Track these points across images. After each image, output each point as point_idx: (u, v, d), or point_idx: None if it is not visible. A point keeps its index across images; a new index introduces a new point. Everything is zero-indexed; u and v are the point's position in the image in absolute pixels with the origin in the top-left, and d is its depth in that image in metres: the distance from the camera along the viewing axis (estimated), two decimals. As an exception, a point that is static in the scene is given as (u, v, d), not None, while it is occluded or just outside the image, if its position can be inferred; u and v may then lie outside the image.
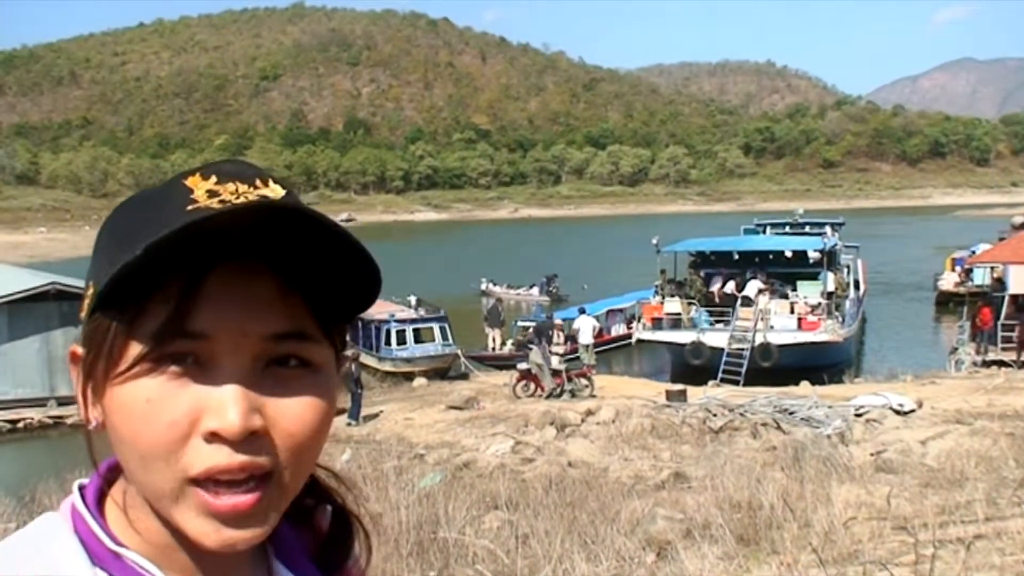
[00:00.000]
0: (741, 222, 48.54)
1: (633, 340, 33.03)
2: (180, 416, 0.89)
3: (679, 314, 31.70)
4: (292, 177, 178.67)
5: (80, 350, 0.97)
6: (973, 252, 43.52)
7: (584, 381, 25.84)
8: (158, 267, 0.87)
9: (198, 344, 0.90)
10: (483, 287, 52.50)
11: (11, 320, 26.63)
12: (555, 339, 28.05)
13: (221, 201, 0.89)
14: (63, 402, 27.06)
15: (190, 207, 0.89)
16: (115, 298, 0.90)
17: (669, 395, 22.25)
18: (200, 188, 0.91)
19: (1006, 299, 30.17)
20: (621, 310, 36.95)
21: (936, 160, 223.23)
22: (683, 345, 30.43)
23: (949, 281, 45.51)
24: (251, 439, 0.90)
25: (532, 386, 25.60)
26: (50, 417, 26.61)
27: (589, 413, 20.68)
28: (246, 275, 0.91)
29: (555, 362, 26.21)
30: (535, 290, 51.83)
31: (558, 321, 30.68)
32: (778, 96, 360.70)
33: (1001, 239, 42.19)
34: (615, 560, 8.51)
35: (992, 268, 36.08)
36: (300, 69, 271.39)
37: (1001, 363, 27.85)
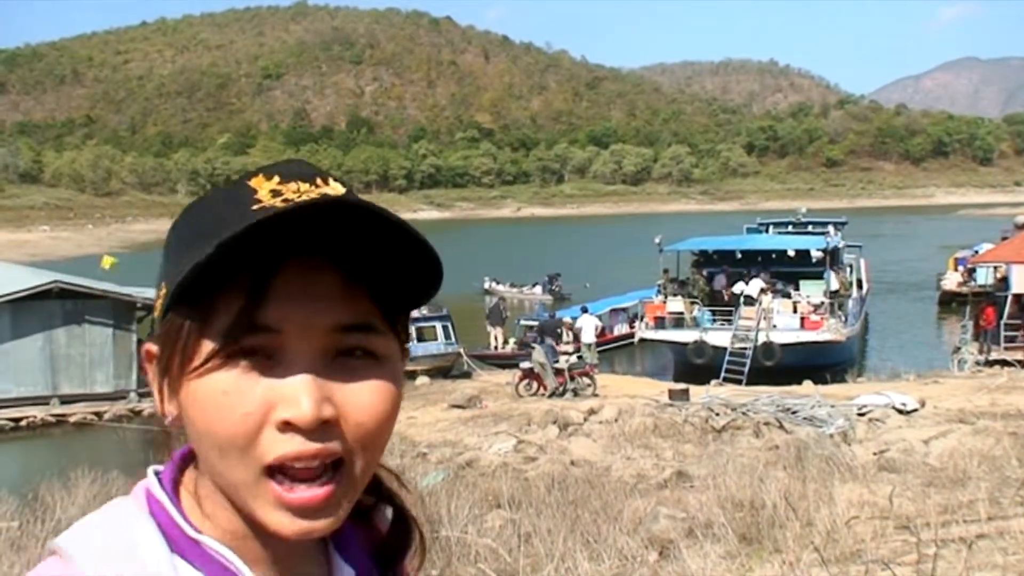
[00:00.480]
0: (744, 221, 48.48)
1: (636, 339, 33.04)
2: (254, 407, 0.93)
3: (682, 313, 31.70)
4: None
5: (155, 348, 1.00)
6: (976, 252, 43.44)
7: (587, 380, 25.85)
8: (227, 266, 0.91)
9: (269, 338, 0.94)
10: (486, 285, 52.49)
11: (14, 318, 26.63)
12: (564, 337, 28.02)
13: (284, 200, 0.93)
14: (66, 400, 27.09)
15: (255, 207, 0.92)
16: (187, 297, 0.93)
17: (672, 394, 22.25)
18: (264, 188, 0.95)
19: (1009, 298, 30.14)
20: (624, 309, 36.97)
21: (939, 159, 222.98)
22: (686, 344, 30.43)
23: (952, 281, 45.37)
24: (323, 427, 0.93)
25: (535, 385, 25.62)
26: (53, 415, 26.63)
27: (591, 412, 20.69)
28: (311, 270, 0.95)
29: (564, 361, 26.24)
30: (538, 289, 51.88)
31: (567, 319, 30.60)
32: (781, 95, 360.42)
33: (1004, 238, 42.13)
34: (617, 559, 8.51)
35: (995, 268, 36.06)
36: (303, 68, 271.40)
37: (1004, 362, 27.84)
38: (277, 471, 0.94)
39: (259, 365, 0.94)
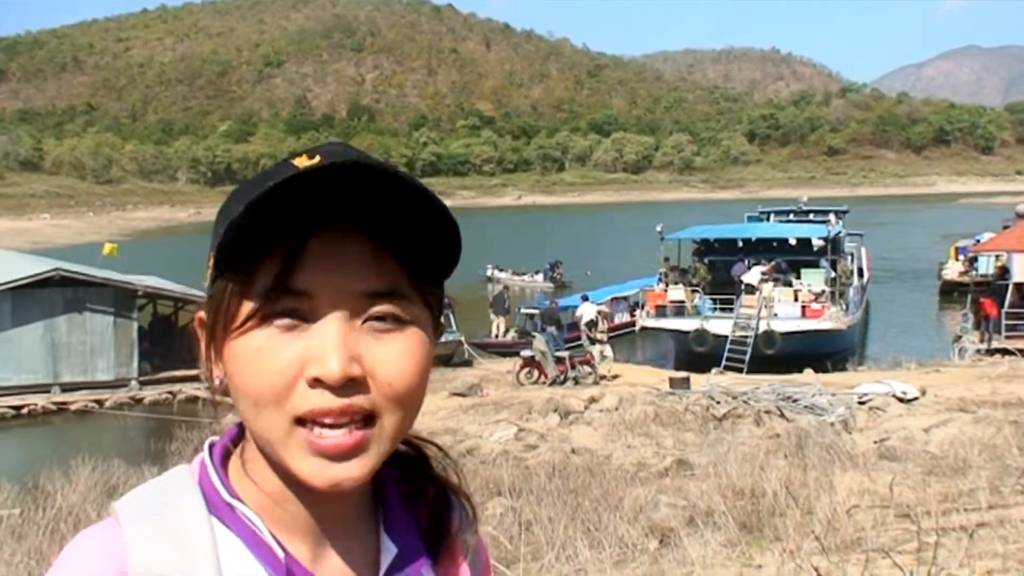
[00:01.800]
0: (745, 209, 48.41)
1: (637, 327, 33.02)
2: (286, 364, 1.00)
3: (683, 301, 31.68)
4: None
5: (203, 315, 1.08)
6: (978, 241, 43.33)
7: (587, 368, 25.86)
8: (264, 231, 0.98)
9: (302, 301, 1.01)
10: (488, 273, 52.44)
11: (15, 306, 26.64)
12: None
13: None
14: (67, 388, 27.11)
15: (292, 173, 0.98)
16: (230, 262, 1.01)
17: (672, 382, 22.25)
18: (303, 165, 1.00)
19: (1010, 287, 30.11)
20: (624, 297, 36.92)
21: (941, 148, 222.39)
22: (687, 332, 30.42)
23: (953, 270, 45.12)
24: (351, 385, 1.00)
25: (536, 373, 25.62)
26: (54, 403, 26.66)
27: (592, 400, 20.71)
28: (343, 238, 1.02)
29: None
30: (539, 276, 51.88)
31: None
32: (783, 83, 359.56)
33: (1005, 227, 42.05)
34: (618, 547, 8.52)
35: (997, 256, 36.01)
36: (304, 55, 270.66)
37: (1005, 351, 27.81)
38: (308, 421, 1.00)
39: (293, 326, 1.01)
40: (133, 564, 1.00)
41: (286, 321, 1.00)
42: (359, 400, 1.00)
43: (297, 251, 1.00)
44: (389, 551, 1.13)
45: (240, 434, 1.12)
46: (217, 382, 1.07)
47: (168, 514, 1.04)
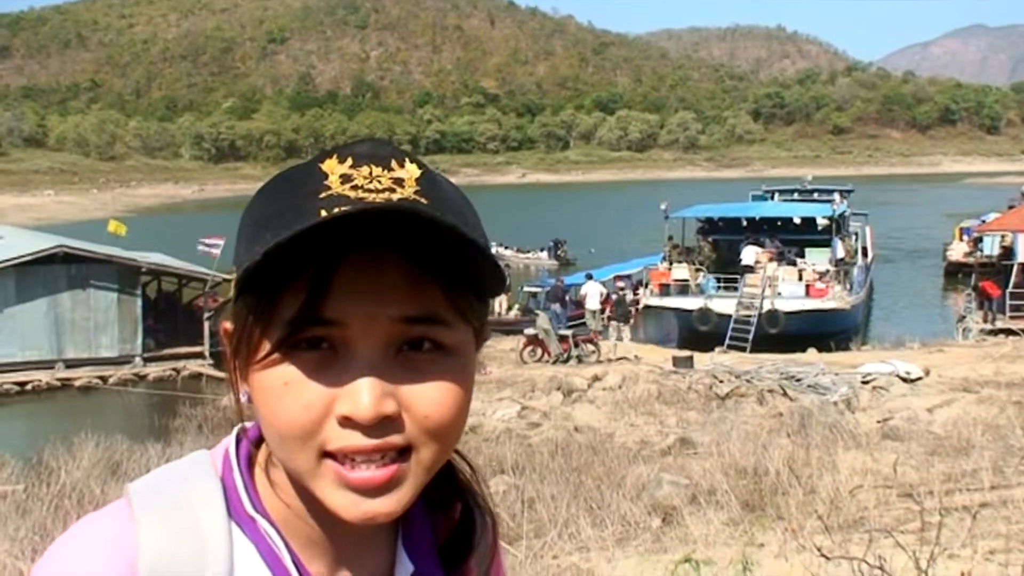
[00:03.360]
0: (750, 188, 48.28)
1: (640, 306, 33.02)
2: (315, 399, 0.92)
3: (687, 280, 31.66)
4: (299, 141, 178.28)
5: (230, 326, 1.00)
6: (983, 222, 43.18)
7: (591, 347, 25.87)
8: (289, 260, 0.90)
9: (331, 330, 0.93)
10: (492, 250, 52.42)
11: (19, 283, 26.68)
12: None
13: (353, 187, 0.92)
14: (71, 364, 27.16)
15: (323, 194, 0.91)
16: (252, 288, 0.94)
17: (676, 361, 22.28)
18: (335, 173, 0.94)
19: (1015, 267, 30.07)
20: (628, 276, 36.89)
21: (946, 127, 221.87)
22: (690, 311, 30.40)
23: (958, 251, 44.71)
24: (384, 423, 0.93)
25: (539, 351, 25.64)
26: (58, 379, 26.74)
27: (596, 378, 20.71)
28: (376, 261, 0.93)
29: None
30: (543, 254, 51.88)
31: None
32: (788, 61, 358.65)
33: (1010, 207, 41.95)
34: (620, 525, 8.54)
35: (1002, 236, 35.94)
36: (308, 32, 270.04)
37: (1009, 331, 27.80)
38: (339, 454, 0.93)
39: (322, 357, 0.93)
40: (143, 560, 0.95)
41: (314, 353, 0.93)
42: (393, 439, 0.94)
43: (327, 278, 0.92)
44: (405, 567, 1.08)
45: (263, 436, 1.05)
46: (244, 397, 1.01)
47: (185, 509, 0.99)
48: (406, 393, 0.94)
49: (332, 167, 0.94)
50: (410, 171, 0.96)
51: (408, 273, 0.94)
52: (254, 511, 1.02)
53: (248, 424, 1.07)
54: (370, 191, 0.92)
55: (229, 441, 1.07)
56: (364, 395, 0.91)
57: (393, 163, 0.95)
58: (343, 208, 0.89)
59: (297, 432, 0.93)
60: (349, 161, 0.95)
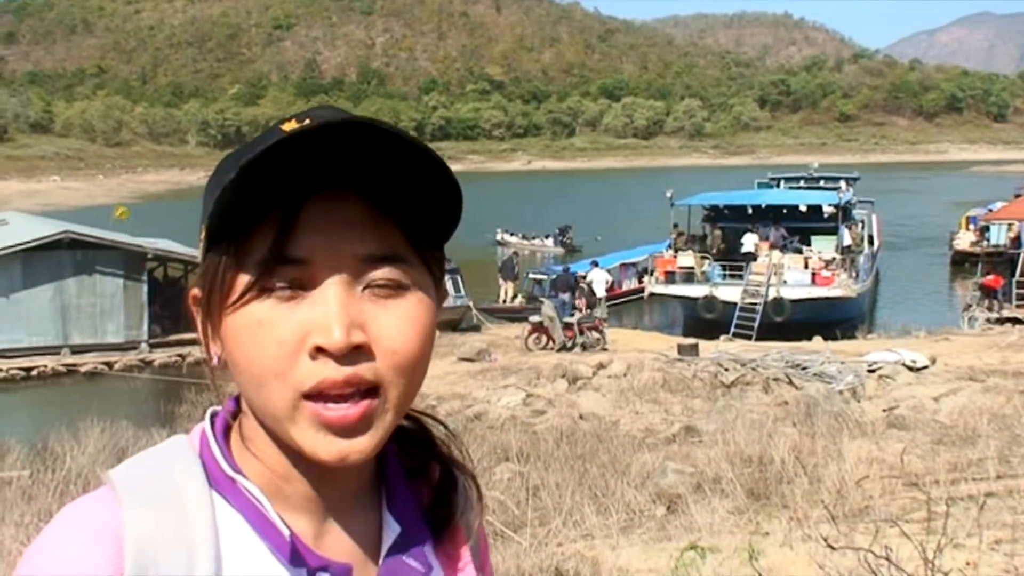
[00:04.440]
0: (756, 176, 48.30)
1: (645, 294, 33.00)
2: (288, 335, 0.97)
3: (692, 268, 31.63)
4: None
5: (197, 291, 1.06)
6: (990, 210, 43.02)
7: (596, 334, 25.86)
8: (257, 200, 0.96)
9: (300, 269, 0.97)
10: (498, 237, 52.45)
11: (25, 268, 26.72)
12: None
13: None
14: (76, 350, 27.20)
15: (280, 137, 0.95)
16: (223, 234, 0.98)
17: (681, 349, 22.27)
18: (293, 128, 0.97)
19: (1022, 256, 30.01)
20: (633, 264, 36.88)
21: (953, 115, 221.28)
22: (696, 299, 30.38)
23: (965, 240, 44.30)
24: (354, 354, 0.97)
25: (544, 339, 25.64)
26: (64, 365, 26.78)
27: (601, 366, 20.71)
28: (339, 202, 0.99)
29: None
30: (549, 241, 51.91)
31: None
32: (795, 48, 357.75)
33: (1017, 195, 41.88)
34: (625, 513, 8.54)
35: (1009, 225, 35.86)
36: (313, 18, 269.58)
37: (1015, 320, 27.76)
38: (314, 396, 0.97)
39: (292, 295, 0.98)
40: (128, 534, 0.97)
41: (285, 291, 0.97)
42: (363, 370, 0.97)
43: (292, 218, 0.97)
44: (392, 529, 1.10)
45: (239, 408, 1.09)
46: (216, 360, 1.05)
47: (166, 484, 1.01)
48: (373, 327, 0.98)
49: (291, 126, 0.97)
50: None
51: (370, 213, 1.00)
52: (233, 472, 1.04)
53: (218, 408, 1.11)
54: None
55: (205, 420, 1.10)
56: (334, 326, 0.95)
57: None
58: (306, 123, 0.95)
59: (273, 369, 0.97)
60: (308, 121, 0.97)
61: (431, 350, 1.05)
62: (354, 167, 0.97)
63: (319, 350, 0.96)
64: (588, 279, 30.66)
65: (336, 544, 1.07)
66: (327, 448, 0.98)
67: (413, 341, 1.01)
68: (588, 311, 27.83)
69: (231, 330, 1.00)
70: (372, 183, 0.98)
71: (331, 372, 0.96)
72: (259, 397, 0.99)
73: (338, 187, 0.98)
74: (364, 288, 0.99)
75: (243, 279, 0.98)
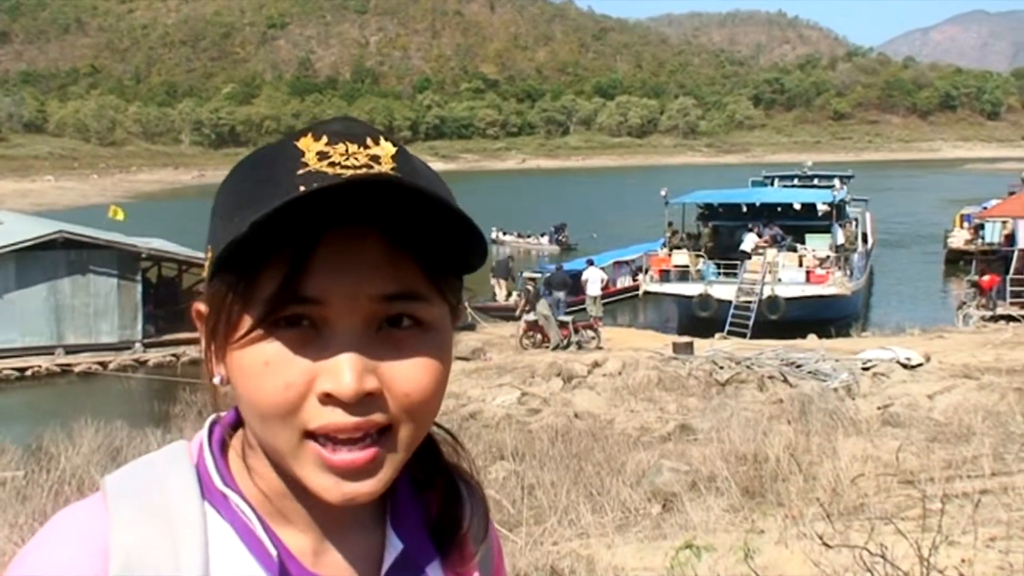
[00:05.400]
0: (750, 174, 48.32)
1: (640, 292, 33.01)
2: (296, 378, 0.92)
3: (687, 266, 31.64)
4: (299, 126, 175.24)
5: (204, 308, 1.00)
6: (984, 208, 43.04)
7: (591, 333, 25.86)
8: (269, 237, 0.89)
9: (312, 308, 0.93)
10: (493, 235, 52.42)
11: (19, 268, 26.68)
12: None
13: (331, 164, 0.92)
14: (70, 350, 27.17)
15: (300, 171, 0.91)
16: (231, 266, 0.93)
17: (676, 347, 22.27)
18: (311, 150, 0.93)
19: (1016, 254, 30.06)
20: (627, 262, 36.88)
21: (946, 113, 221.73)
22: (690, 297, 30.41)
23: (959, 239, 44.12)
24: (365, 400, 0.93)
25: (539, 337, 25.64)
26: (58, 365, 26.76)
27: (596, 365, 20.71)
28: (355, 239, 0.93)
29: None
30: (544, 239, 51.97)
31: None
32: (789, 47, 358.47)
33: (1011, 193, 41.91)
34: (620, 511, 8.54)
35: (1003, 223, 35.91)
36: (307, 17, 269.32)
37: (1010, 318, 27.80)
38: (320, 435, 0.93)
39: (302, 335, 0.93)
40: (114, 546, 0.95)
41: (295, 331, 0.93)
42: (375, 417, 0.93)
43: (306, 255, 0.92)
44: (393, 547, 1.07)
45: (239, 420, 1.05)
46: (218, 379, 1.00)
47: (157, 494, 0.99)
48: (387, 370, 0.94)
49: (308, 145, 0.94)
50: (385, 148, 0.95)
51: (387, 250, 0.94)
52: (224, 486, 1.01)
53: (221, 414, 1.08)
54: (347, 168, 0.91)
55: (204, 429, 1.07)
56: (346, 372, 0.91)
57: (368, 140, 0.95)
58: (328, 169, 0.91)
59: (278, 411, 0.93)
60: (324, 139, 0.94)
61: (446, 386, 1.00)
62: (371, 204, 0.92)
63: (328, 396, 0.92)
64: (584, 278, 30.66)
65: (335, 562, 1.04)
66: (331, 490, 0.94)
67: (428, 384, 0.96)
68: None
69: (237, 365, 0.95)
70: (389, 219, 0.93)
71: (339, 418, 0.92)
72: (262, 432, 0.96)
73: (353, 223, 0.92)
74: (378, 328, 0.95)
75: (250, 315, 0.93)
